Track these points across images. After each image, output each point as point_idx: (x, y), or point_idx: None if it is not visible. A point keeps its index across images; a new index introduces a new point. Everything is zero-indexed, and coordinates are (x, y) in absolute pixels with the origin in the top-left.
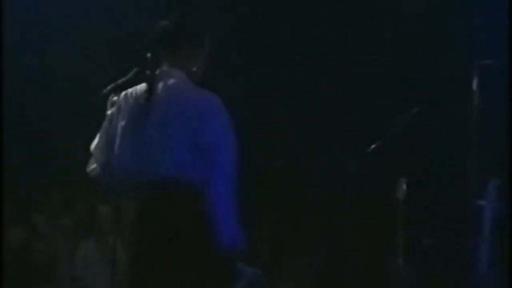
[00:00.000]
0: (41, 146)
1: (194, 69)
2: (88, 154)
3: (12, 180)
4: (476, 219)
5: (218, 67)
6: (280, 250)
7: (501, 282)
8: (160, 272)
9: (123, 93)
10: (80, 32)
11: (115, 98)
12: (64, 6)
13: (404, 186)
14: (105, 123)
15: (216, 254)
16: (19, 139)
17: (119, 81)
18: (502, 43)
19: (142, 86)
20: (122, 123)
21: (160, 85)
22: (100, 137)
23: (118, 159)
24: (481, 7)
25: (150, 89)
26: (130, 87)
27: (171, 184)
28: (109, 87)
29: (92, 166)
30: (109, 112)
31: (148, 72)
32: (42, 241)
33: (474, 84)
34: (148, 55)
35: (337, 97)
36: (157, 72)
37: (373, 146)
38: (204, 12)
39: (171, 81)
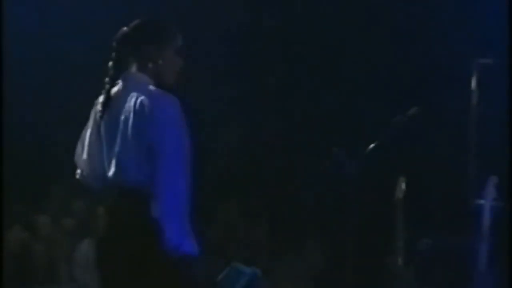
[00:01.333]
0: (42, 147)
1: (150, 65)
2: None
3: (12, 181)
4: (475, 218)
5: (219, 68)
6: (279, 250)
7: (500, 281)
8: (112, 281)
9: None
10: (83, 32)
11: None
12: (65, 6)
13: (403, 186)
14: (84, 130)
15: (161, 259)
16: (19, 141)
17: None
18: (500, 42)
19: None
20: (89, 129)
21: (119, 89)
22: (78, 144)
23: (85, 166)
24: (480, 6)
25: (107, 95)
26: None
27: (117, 188)
28: None
29: (78, 170)
30: None
31: (106, 79)
32: (42, 242)
33: (473, 83)
34: (110, 63)
35: (335, 98)
36: (120, 76)
37: (372, 145)
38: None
39: (128, 84)
